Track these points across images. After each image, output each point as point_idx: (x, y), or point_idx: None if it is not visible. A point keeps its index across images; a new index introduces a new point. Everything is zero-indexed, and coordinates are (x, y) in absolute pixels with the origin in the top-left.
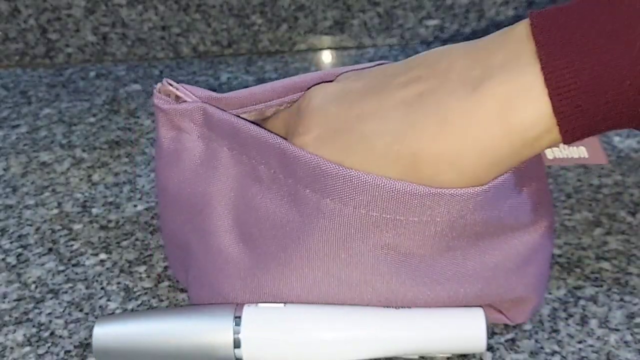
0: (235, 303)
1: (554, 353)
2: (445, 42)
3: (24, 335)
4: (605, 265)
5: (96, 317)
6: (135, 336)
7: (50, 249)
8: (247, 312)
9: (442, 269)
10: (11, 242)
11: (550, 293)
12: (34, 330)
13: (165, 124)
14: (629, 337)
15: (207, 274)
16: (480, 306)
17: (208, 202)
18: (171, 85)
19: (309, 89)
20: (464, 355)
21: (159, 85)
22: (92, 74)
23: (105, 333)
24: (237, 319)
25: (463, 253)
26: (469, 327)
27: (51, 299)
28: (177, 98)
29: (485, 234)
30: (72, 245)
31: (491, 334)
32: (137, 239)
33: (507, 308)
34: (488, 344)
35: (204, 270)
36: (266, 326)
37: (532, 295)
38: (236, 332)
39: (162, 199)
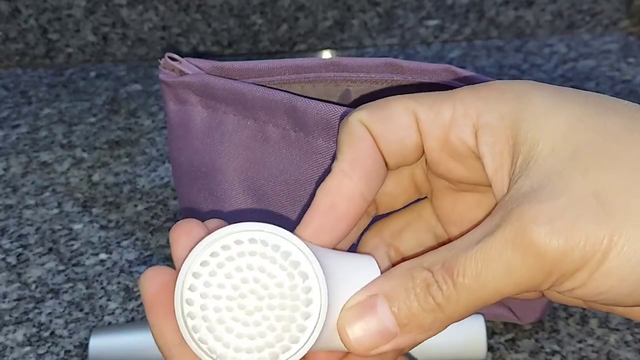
0: None
1: (554, 353)
2: (445, 42)
3: (24, 335)
4: None
5: (96, 317)
6: (131, 349)
7: (50, 249)
8: None
9: None
10: (11, 242)
11: None
12: (34, 330)
13: (172, 98)
14: (629, 337)
15: None
16: (481, 313)
17: (219, 169)
18: (174, 59)
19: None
20: None
21: (163, 60)
22: (92, 74)
23: (101, 345)
24: None
25: None
26: (469, 334)
27: (51, 299)
28: (181, 71)
29: None
30: (72, 245)
31: (491, 333)
32: (137, 239)
33: (517, 306)
34: (488, 344)
35: None
36: None
37: None
38: None
39: (176, 172)
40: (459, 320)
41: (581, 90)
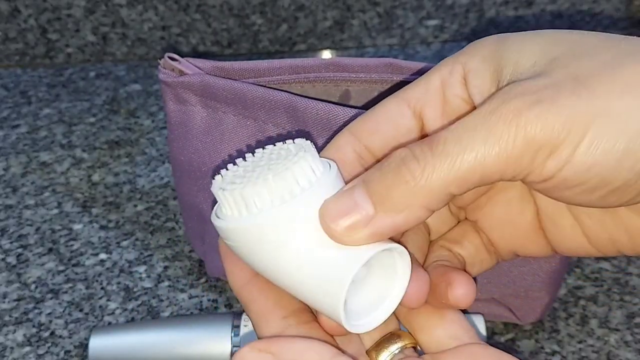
0: (233, 312)
1: (554, 353)
2: (445, 42)
3: (24, 335)
4: (605, 265)
5: (96, 317)
6: (131, 349)
7: (50, 249)
8: (246, 320)
9: None
10: (11, 242)
11: None
12: (34, 330)
13: (172, 98)
14: (629, 337)
15: None
16: (481, 313)
17: (218, 168)
18: (173, 59)
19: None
20: None
21: (162, 60)
22: (92, 74)
23: (101, 345)
24: (236, 329)
25: None
26: None
27: (51, 299)
28: (181, 71)
29: None
30: (72, 245)
31: (491, 334)
32: (137, 239)
33: (517, 306)
34: (488, 344)
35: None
36: None
37: (544, 292)
38: (235, 344)
39: (176, 172)
40: (436, 200)
41: None
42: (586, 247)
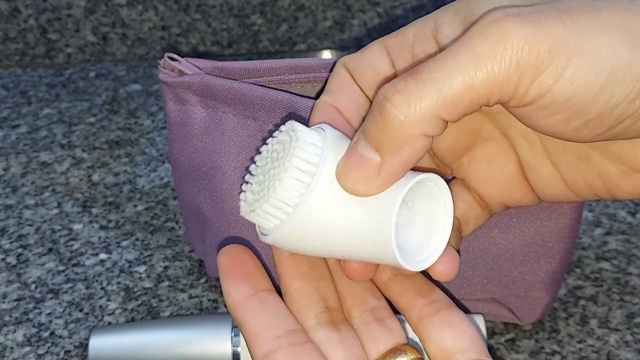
0: None
1: (554, 353)
2: None
3: (24, 335)
4: (605, 265)
5: (96, 317)
6: (131, 349)
7: (50, 249)
8: None
9: None
10: (11, 242)
11: None
12: (34, 330)
13: (171, 98)
14: (629, 337)
15: (222, 238)
16: (481, 313)
17: (218, 168)
18: (173, 59)
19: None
20: None
21: (162, 60)
22: (92, 74)
23: (101, 345)
24: (236, 329)
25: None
26: None
27: (51, 299)
28: (181, 72)
29: (500, 215)
30: (72, 245)
31: (491, 334)
32: (137, 239)
33: (517, 306)
34: (488, 344)
35: (219, 236)
36: None
37: (544, 292)
38: (235, 344)
39: (176, 172)
40: (431, 127)
41: None
42: (566, 193)
